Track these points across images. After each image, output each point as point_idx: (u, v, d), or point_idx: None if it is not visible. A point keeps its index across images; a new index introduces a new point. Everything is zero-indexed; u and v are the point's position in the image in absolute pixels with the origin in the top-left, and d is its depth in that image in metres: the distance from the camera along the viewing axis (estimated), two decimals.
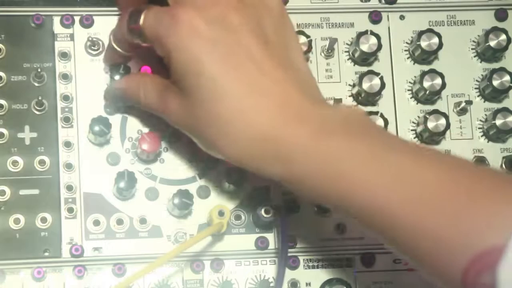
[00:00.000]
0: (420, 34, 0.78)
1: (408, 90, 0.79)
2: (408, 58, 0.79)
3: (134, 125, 0.76)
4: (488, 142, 0.79)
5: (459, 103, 0.79)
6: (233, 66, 0.65)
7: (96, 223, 0.73)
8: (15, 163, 0.73)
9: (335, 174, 0.63)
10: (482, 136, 0.79)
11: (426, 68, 0.79)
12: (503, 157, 0.79)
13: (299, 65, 0.68)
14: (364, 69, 0.78)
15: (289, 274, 0.75)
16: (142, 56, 0.74)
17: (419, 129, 0.78)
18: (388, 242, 0.63)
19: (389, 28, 0.79)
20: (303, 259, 0.76)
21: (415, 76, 0.79)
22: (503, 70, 0.79)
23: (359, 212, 0.63)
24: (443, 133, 0.77)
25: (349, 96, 0.78)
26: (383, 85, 0.77)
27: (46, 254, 0.72)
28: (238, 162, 0.67)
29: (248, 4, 0.67)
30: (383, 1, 0.80)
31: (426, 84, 0.77)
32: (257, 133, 0.65)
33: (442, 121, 0.77)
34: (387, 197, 0.61)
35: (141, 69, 0.74)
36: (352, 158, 0.62)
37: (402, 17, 0.80)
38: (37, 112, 0.74)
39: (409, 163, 0.62)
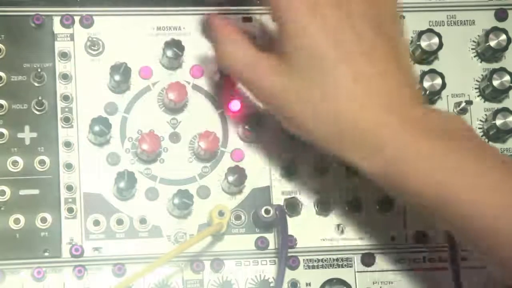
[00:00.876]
0: (420, 34, 0.78)
1: None
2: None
3: (134, 125, 0.76)
4: (488, 142, 0.79)
5: (459, 103, 0.79)
6: (346, 56, 0.65)
7: (96, 223, 0.73)
8: (15, 163, 0.73)
9: (430, 177, 0.63)
10: (482, 136, 0.79)
11: (426, 68, 0.79)
12: None
13: (405, 60, 0.69)
14: None
15: (289, 274, 0.75)
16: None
17: None
18: (483, 249, 0.63)
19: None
20: (303, 259, 0.76)
21: None
22: (503, 70, 0.79)
23: (449, 216, 0.63)
24: None
25: None
26: None
27: (46, 254, 0.72)
28: (325, 146, 0.67)
29: None
30: None
31: (426, 84, 0.78)
32: (357, 131, 0.65)
33: None
34: (484, 205, 0.61)
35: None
36: (449, 163, 0.62)
37: (402, 17, 0.80)
38: (37, 112, 0.74)
39: (506, 171, 0.62)
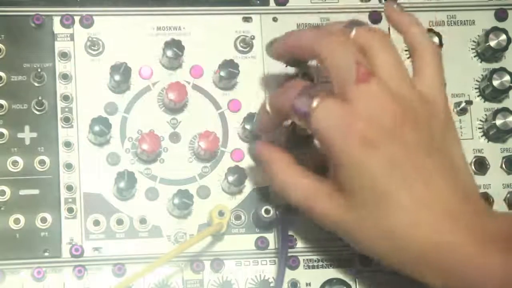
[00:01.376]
0: None
1: None
2: (408, 58, 0.79)
3: (134, 125, 0.76)
4: (488, 142, 0.79)
5: (459, 103, 0.79)
6: (403, 181, 0.64)
7: (96, 223, 0.73)
8: (15, 163, 0.73)
9: None
10: (482, 136, 0.79)
11: None
12: (503, 157, 0.79)
13: (461, 170, 0.68)
14: None
15: (289, 274, 0.75)
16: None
17: None
18: None
19: (389, 28, 0.78)
20: (303, 259, 0.76)
21: None
22: (503, 70, 0.79)
23: None
24: None
25: None
26: None
27: (46, 254, 0.72)
28: (398, 270, 0.67)
29: (419, 112, 0.66)
30: (383, 1, 0.80)
31: None
32: (421, 247, 0.64)
33: None
34: None
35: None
36: (505, 275, 0.62)
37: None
38: (37, 112, 0.74)
39: None
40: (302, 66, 0.76)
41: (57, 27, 0.76)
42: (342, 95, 0.65)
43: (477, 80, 0.80)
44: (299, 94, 0.67)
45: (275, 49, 0.74)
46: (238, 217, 0.75)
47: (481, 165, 0.79)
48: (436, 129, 0.67)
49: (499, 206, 0.78)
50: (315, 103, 0.65)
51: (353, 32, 0.68)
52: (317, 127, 0.66)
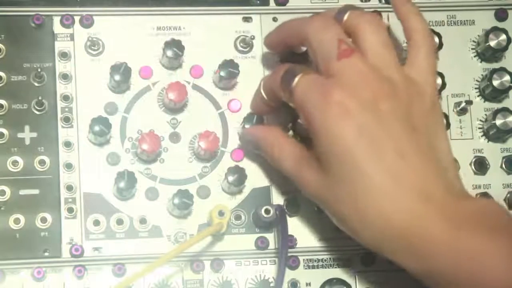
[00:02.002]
0: None
1: None
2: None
3: (134, 125, 0.76)
4: (488, 142, 0.79)
5: (459, 103, 0.79)
6: (378, 156, 0.64)
7: (96, 223, 0.73)
8: (15, 163, 0.73)
9: (474, 272, 0.62)
10: (482, 136, 0.79)
11: None
12: (503, 157, 0.79)
13: (443, 154, 0.68)
14: None
15: (289, 274, 0.75)
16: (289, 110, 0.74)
17: None
18: None
19: (389, 28, 0.79)
20: (303, 259, 0.76)
21: None
22: (503, 70, 0.79)
23: None
24: None
25: None
26: None
27: (46, 254, 0.72)
28: (371, 247, 0.67)
29: (401, 90, 0.67)
30: (383, 1, 0.80)
31: None
32: (394, 227, 0.64)
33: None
34: None
35: None
36: (493, 256, 0.62)
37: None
38: (37, 112, 0.74)
39: None
40: (296, 59, 0.76)
41: (57, 27, 0.76)
42: (326, 73, 0.67)
43: (477, 80, 0.80)
44: (285, 72, 0.69)
45: (269, 40, 0.76)
46: (238, 217, 0.75)
47: (481, 165, 0.79)
48: (417, 110, 0.67)
49: None
50: (297, 78, 0.68)
51: (346, 16, 0.70)
52: (298, 101, 0.68)
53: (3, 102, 0.74)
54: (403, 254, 0.65)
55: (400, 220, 0.64)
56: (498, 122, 0.78)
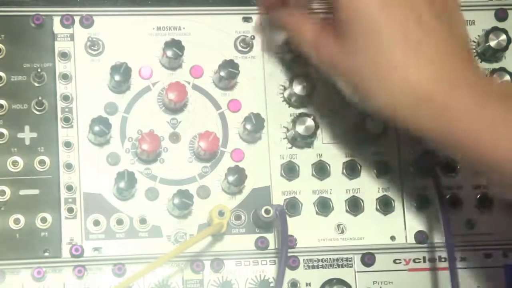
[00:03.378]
0: None
1: None
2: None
3: (134, 125, 0.76)
4: None
5: None
6: (399, 21, 0.66)
7: (96, 223, 0.73)
8: (15, 163, 0.73)
9: (490, 141, 0.63)
10: None
11: None
12: None
13: (460, 27, 0.69)
14: None
15: (289, 274, 0.75)
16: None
17: None
18: None
19: None
20: (303, 259, 0.76)
21: None
22: (503, 70, 0.79)
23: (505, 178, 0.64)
24: None
25: None
26: None
27: (46, 254, 0.72)
28: (387, 113, 0.68)
29: None
30: None
31: None
32: (413, 89, 0.65)
33: None
34: None
35: None
36: (508, 127, 0.63)
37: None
38: (37, 112, 0.74)
39: None
40: None
41: (57, 27, 0.76)
42: None
43: None
44: None
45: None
46: (238, 217, 0.75)
47: None
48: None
49: (499, 206, 0.78)
50: None
51: None
52: None
53: (3, 102, 0.74)
54: (423, 121, 0.66)
55: (424, 88, 0.65)
56: None
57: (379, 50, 0.66)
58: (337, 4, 0.68)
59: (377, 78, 0.67)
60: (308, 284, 0.75)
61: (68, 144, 0.74)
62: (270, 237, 0.75)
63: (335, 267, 0.76)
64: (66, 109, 0.75)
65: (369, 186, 0.77)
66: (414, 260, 0.77)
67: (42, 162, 0.73)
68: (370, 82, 0.67)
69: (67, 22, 0.76)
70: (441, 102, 0.65)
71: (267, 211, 0.74)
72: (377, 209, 0.77)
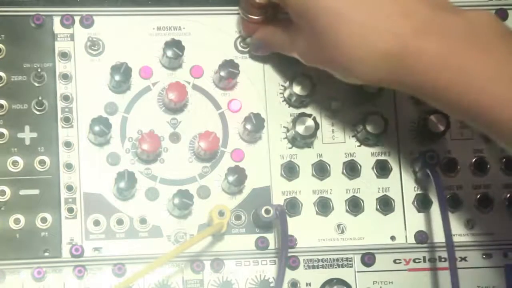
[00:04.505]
0: None
1: None
2: None
3: (134, 125, 0.76)
4: (488, 142, 0.79)
5: None
6: None
7: (96, 223, 0.73)
8: (15, 163, 0.73)
9: (460, 87, 0.64)
10: (482, 136, 0.79)
11: None
12: (503, 157, 0.79)
13: None
14: None
15: (289, 274, 0.75)
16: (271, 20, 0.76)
17: (419, 129, 0.78)
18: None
19: None
20: (303, 259, 0.76)
21: None
22: None
23: (486, 125, 0.64)
24: (443, 133, 0.77)
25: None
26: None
27: (46, 254, 0.72)
28: (372, 82, 0.69)
29: None
30: None
31: None
32: (382, 52, 0.66)
33: (443, 121, 0.77)
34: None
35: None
36: (479, 71, 0.63)
37: None
38: (37, 112, 0.74)
39: None
40: None
41: (57, 27, 0.76)
42: None
43: None
44: None
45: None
46: (238, 217, 0.75)
47: (481, 165, 0.79)
48: None
49: (499, 206, 0.79)
50: None
51: None
52: None
53: (3, 102, 0.74)
54: (399, 77, 0.66)
55: (390, 47, 0.66)
56: None
57: (340, 30, 0.67)
58: (293, 8, 0.70)
59: (349, 55, 0.67)
60: (308, 284, 0.75)
61: (68, 144, 0.74)
62: (270, 237, 0.75)
63: (335, 267, 0.76)
64: (66, 109, 0.75)
65: (369, 186, 0.77)
66: (414, 260, 0.77)
67: (42, 162, 0.73)
68: (347, 62, 0.68)
69: (67, 22, 0.76)
70: (407, 54, 0.65)
71: (267, 211, 0.74)
72: (377, 209, 0.77)
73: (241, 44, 0.78)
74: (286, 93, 0.78)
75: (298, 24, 0.71)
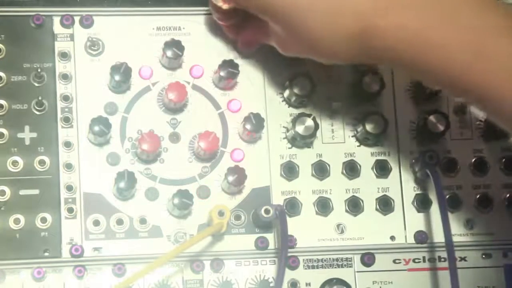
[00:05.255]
0: None
1: (408, 90, 0.79)
2: None
3: (134, 125, 0.76)
4: (488, 142, 0.79)
5: (459, 103, 0.79)
6: None
7: (96, 223, 0.73)
8: (15, 163, 0.73)
9: (441, 62, 0.64)
10: (482, 136, 0.79)
11: None
12: (503, 157, 0.79)
13: None
14: (363, 68, 0.78)
15: (289, 274, 0.75)
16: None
17: (418, 129, 0.78)
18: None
19: None
20: (303, 259, 0.76)
21: None
22: None
23: (461, 89, 0.65)
24: (443, 133, 0.77)
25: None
26: (382, 85, 0.77)
27: (46, 254, 0.72)
28: (350, 60, 0.70)
29: None
30: None
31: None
32: (349, 33, 0.66)
33: (442, 121, 0.77)
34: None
35: None
36: (456, 48, 0.64)
37: None
38: (37, 112, 0.74)
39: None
40: None
41: (57, 27, 0.76)
42: None
43: None
44: None
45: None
46: (238, 217, 0.75)
47: (481, 165, 0.79)
48: None
49: (499, 206, 0.79)
50: None
51: None
52: None
53: (3, 102, 0.74)
54: (371, 54, 0.67)
55: (353, 27, 0.66)
56: None
57: (307, 19, 0.68)
58: (259, 7, 0.70)
59: (324, 41, 0.68)
60: (308, 284, 0.75)
61: (68, 144, 0.74)
62: (270, 237, 0.75)
63: (335, 267, 0.76)
64: (66, 109, 0.75)
65: (369, 186, 0.77)
66: (414, 260, 0.77)
67: (42, 162, 0.73)
68: (325, 49, 0.69)
69: (67, 22, 0.76)
70: (371, 32, 0.66)
71: (267, 211, 0.74)
72: (376, 209, 0.77)
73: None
74: (286, 93, 0.78)
75: (270, 19, 0.71)
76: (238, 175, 0.74)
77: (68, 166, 0.74)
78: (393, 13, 0.65)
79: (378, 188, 0.78)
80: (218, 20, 0.76)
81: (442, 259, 0.77)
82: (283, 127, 0.77)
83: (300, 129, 0.76)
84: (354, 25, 0.66)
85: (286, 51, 0.73)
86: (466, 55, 0.63)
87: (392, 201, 0.77)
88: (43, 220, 0.72)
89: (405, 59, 0.66)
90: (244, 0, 0.71)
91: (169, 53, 0.75)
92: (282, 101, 0.78)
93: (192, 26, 0.78)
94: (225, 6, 0.73)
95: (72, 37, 0.76)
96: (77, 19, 0.76)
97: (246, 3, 0.71)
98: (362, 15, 0.66)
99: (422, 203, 0.78)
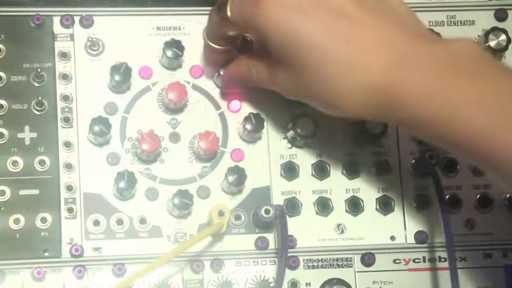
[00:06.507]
0: None
1: None
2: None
3: (134, 125, 0.76)
4: None
5: None
6: (328, 28, 0.66)
7: (96, 223, 0.73)
8: (15, 163, 0.73)
9: (447, 119, 0.63)
10: None
11: None
12: None
13: (396, 7, 0.68)
14: None
15: (289, 274, 0.75)
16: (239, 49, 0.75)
17: None
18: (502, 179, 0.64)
19: None
20: (303, 259, 0.76)
21: None
22: None
23: (476, 154, 0.63)
24: None
25: None
26: None
27: (46, 254, 0.72)
28: (356, 116, 0.67)
29: None
30: None
31: None
32: (367, 87, 0.65)
33: None
34: (504, 141, 0.61)
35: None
36: (463, 103, 0.62)
37: None
38: (37, 112, 0.74)
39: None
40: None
41: (57, 27, 0.76)
42: None
43: None
44: (216, 8, 0.71)
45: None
46: (238, 217, 0.75)
47: None
48: None
49: (499, 206, 0.79)
50: (228, 4, 0.70)
51: None
52: (240, 21, 0.69)
53: (3, 102, 0.74)
54: (385, 112, 0.65)
55: (372, 82, 0.65)
56: None
57: (322, 65, 0.66)
58: (270, 41, 0.68)
59: (333, 92, 0.66)
60: (308, 284, 0.75)
61: (68, 144, 0.74)
62: (270, 237, 0.75)
63: (335, 267, 0.76)
64: (66, 109, 0.75)
65: (369, 186, 0.77)
66: (414, 260, 0.77)
67: (42, 162, 0.73)
68: (331, 99, 0.67)
69: (67, 22, 0.76)
70: (391, 88, 0.64)
71: (267, 211, 0.74)
72: (377, 209, 0.77)
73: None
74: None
75: (279, 58, 0.69)
76: (238, 175, 0.74)
77: (68, 166, 0.74)
78: (414, 70, 0.64)
79: (378, 188, 0.78)
80: (211, 41, 0.74)
81: (442, 259, 0.77)
82: (283, 127, 0.77)
83: (300, 129, 0.76)
84: (373, 80, 0.65)
85: (291, 95, 0.72)
86: (488, 116, 0.62)
87: (392, 201, 0.77)
88: (43, 220, 0.72)
89: (422, 118, 0.64)
90: (261, 31, 0.68)
91: (169, 53, 0.75)
92: (282, 101, 0.78)
93: (192, 26, 0.78)
94: (231, 33, 0.72)
95: (72, 37, 0.76)
96: (77, 19, 0.76)
97: (267, 34, 0.68)
98: (382, 70, 0.64)
99: (422, 203, 0.78)
